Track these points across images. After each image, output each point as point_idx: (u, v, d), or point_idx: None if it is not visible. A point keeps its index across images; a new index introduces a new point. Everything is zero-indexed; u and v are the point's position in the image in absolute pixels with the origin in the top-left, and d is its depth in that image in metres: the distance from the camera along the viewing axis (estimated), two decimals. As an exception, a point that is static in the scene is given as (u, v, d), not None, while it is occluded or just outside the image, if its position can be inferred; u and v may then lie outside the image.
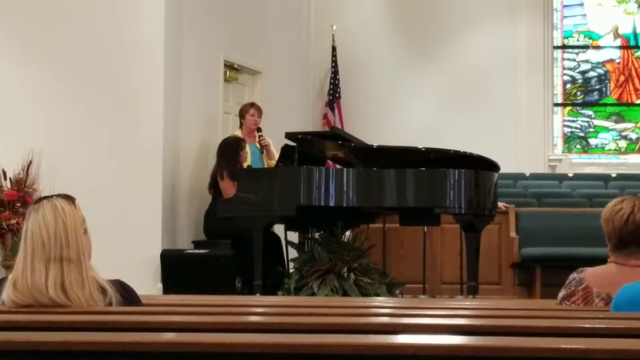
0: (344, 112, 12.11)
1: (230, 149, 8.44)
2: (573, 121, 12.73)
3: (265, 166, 8.84)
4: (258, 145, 8.92)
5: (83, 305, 2.99)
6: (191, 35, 9.00)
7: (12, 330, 2.45)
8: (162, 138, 8.36)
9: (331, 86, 12.17)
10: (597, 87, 12.76)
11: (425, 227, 8.85)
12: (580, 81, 12.76)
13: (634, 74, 12.68)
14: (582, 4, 12.78)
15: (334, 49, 12.21)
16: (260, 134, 8.90)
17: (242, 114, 9.00)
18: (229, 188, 8.20)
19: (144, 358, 2.16)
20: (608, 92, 12.72)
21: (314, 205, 7.34)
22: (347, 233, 8.15)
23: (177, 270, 8.06)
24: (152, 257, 8.15)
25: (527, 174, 11.68)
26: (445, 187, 7.30)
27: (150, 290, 7.77)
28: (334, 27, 12.18)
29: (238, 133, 8.91)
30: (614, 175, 11.69)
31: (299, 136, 7.94)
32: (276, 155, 8.75)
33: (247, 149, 8.62)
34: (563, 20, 12.77)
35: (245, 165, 8.58)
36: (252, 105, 9.06)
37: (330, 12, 12.30)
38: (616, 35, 12.72)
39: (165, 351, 2.16)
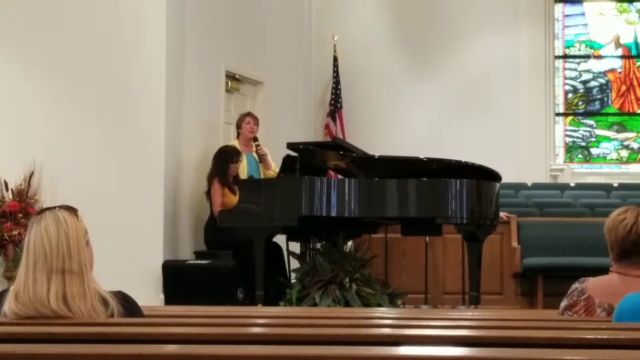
0: (345, 122, 12.12)
1: (222, 157, 8.48)
2: (575, 131, 12.72)
3: (262, 176, 8.85)
4: (255, 155, 8.94)
5: (85, 316, 2.99)
6: (193, 46, 9.01)
7: (14, 342, 2.45)
8: (164, 148, 8.36)
9: (333, 96, 12.17)
10: (598, 96, 12.76)
11: (427, 237, 8.83)
12: (581, 91, 12.76)
13: (635, 83, 12.67)
14: (583, 14, 12.79)
15: (335, 58, 12.22)
16: (257, 143, 8.92)
17: (239, 123, 9.05)
18: (216, 194, 8.29)
19: (145, 370, 2.16)
20: (609, 102, 12.72)
21: (315, 216, 7.34)
22: (349, 243, 8.15)
23: (178, 281, 8.06)
24: (154, 268, 8.15)
25: (529, 183, 11.67)
26: (447, 197, 7.30)
27: (151, 301, 7.76)
28: (335, 37, 12.19)
29: (235, 143, 8.93)
30: (615, 185, 11.68)
31: (301, 146, 7.94)
32: (273, 165, 8.78)
33: (244, 162, 8.64)
34: (564, 30, 12.78)
35: (245, 176, 8.61)
36: (248, 114, 9.11)
37: (332, 22, 12.32)
38: (617, 44, 12.73)
39: (167, 363, 2.16)
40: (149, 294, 7.86)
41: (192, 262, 8.33)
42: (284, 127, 10.15)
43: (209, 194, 8.50)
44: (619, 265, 3.51)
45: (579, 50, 12.81)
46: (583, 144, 12.72)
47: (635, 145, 12.63)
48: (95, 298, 3.04)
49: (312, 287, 7.40)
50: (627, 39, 12.74)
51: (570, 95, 12.74)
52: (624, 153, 12.66)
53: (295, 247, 8.36)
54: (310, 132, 11.65)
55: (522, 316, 4.00)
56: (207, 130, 9.30)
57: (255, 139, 8.94)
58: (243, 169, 8.67)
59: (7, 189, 7.97)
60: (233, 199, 7.99)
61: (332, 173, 8.79)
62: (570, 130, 12.71)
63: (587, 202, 10.77)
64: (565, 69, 12.75)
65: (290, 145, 7.90)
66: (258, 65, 10.18)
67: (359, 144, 8.67)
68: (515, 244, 9.29)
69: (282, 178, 7.86)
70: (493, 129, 12.08)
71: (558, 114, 12.63)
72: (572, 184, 11.83)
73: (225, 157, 8.47)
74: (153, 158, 8.32)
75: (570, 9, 12.80)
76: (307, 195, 7.33)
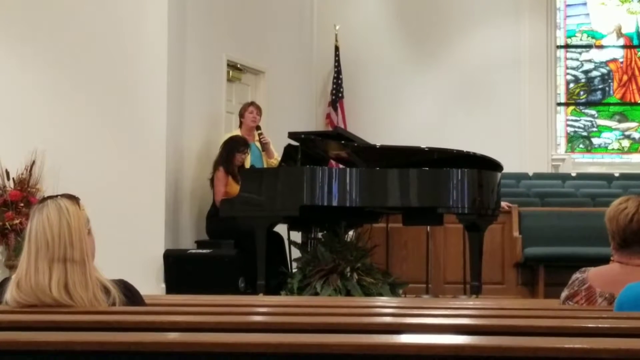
0: (346, 112, 12.11)
1: (230, 145, 8.48)
2: (576, 121, 12.71)
3: (265, 165, 8.87)
4: (257, 144, 8.95)
5: (86, 305, 2.99)
6: (194, 36, 9.01)
7: (16, 330, 2.46)
8: (166, 138, 8.36)
9: (334, 86, 12.17)
10: (600, 86, 12.74)
11: (429, 227, 8.84)
12: (583, 80, 12.75)
13: (637, 73, 12.66)
14: (585, 4, 12.77)
15: (336, 48, 12.20)
16: (260, 132, 8.93)
17: (242, 112, 9.07)
18: (220, 183, 8.29)
19: (147, 358, 2.16)
20: (611, 92, 12.70)
21: (317, 205, 7.35)
22: (350, 233, 8.16)
23: (180, 270, 8.07)
24: (155, 257, 8.16)
25: (530, 173, 11.67)
26: (448, 187, 7.29)
27: (153, 290, 7.78)
28: (337, 27, 12.17)
29: (237, 132, 8.94)
30: (617, 174, 11.68)
31: (302, 136, 7.94)
32: (276, 154, 8.79)
33: (248, 157, 8.64)
34: (566, 20, 12.76)
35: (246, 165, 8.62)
36: (252, 103, 9.13)
37: (333, 11, 12.30)
38: (619, 34, 12.71)
39: (169, 351, 2.17)
40: (150, 283, 7.87)
41: (193, 251, 8.33)
42: (285, 117, 10.15)
43: (213, 181, 8.49)
44: (620, 255, 3.51)
45: (581, 40, 12.79)
46: (584, 133, 12.71)
47: (636, 135, 12.62)
48: (97, 286, 3.04)
49: (313, 276, 7.42)
50: (628, 28, 12.72)
51: (571, 85, 12.73)
52: (626, 143, 12.65)
53: (297, 236, 8.37)
54: (312, 121, 11.65)
55: (523, 305, 4.00)
56: (209, 120, 9.30)
57: (258, 128, 8.96)
58: (245, 158, 8.67)
59: (8, 178, 7.97)
60: (236, 189, 8.00)
61: (333, 162, 8.79)
62: (572, 120, 12.70)
63: (588, 192, 10.76)
64: (566, 58, 12.73)
65: (292, 135, 7.89)
66: (259, 54, 10.17)
67: (360, 134, 8.67)
68: (516, 233, 9.30)
69: (284, 167, 7.86)
70: (494, 118, 12.07)
71: (559, 104, 12.62)
72: (574, 174, 11.83)
73: (233, 146, 8.48)
74: (154, 147, 8.32)
75: (572, -2, 12.78)
76: (308, 184, 7.33)
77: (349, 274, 7.37)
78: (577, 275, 3.56)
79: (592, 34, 12.78)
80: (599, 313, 3.06)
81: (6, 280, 3.15)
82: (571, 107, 12.74)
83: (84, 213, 3.13)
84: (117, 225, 7.82)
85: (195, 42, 9.02)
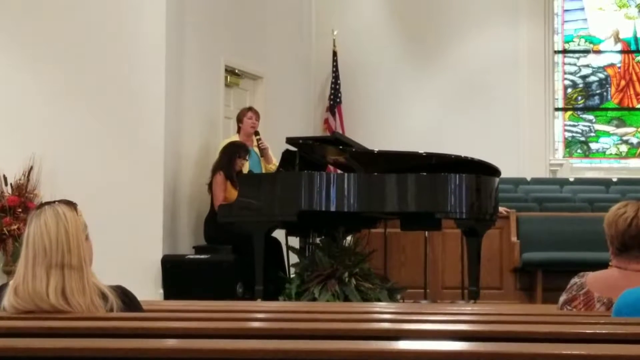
0: (345, 117, 12.11)
1: (231, 150, 8.47)
2: (574, 126, 12.72)
3: (263, 170, 8.86)
4: (256, 149, 8.95)
5: (84, 311, 2.98)
6: (192, 40, 9.00)
7: (13, 336, 2.45)
8: (164, 143, 8.36)
9: (332, 91, 12.16)
10: (598, 91, 12.75)
11: (427, 232, 8.83)
12: (581, 86, 12.76)
13: (634, 78, 12.66)
14: (582, 9, 12.78)
15: (334, 53, 12.20)
16: (258, 137, 8.93)
17: (240, 117, 9.05)
18: (218, 188, 8.27)
19: (145, 364, 2.16)
20: (609, 97, 12.71)
21: (315, 210, 7.34)
22: (348, 238, 8.15)
23: (178, 276, 8.06)
24: (153, 263, 8.15)
25: (528, 178, 11.67)
26: (446, 192, 7.29)
27: (151, 295, 7.77)
28: (335, 32, 12.17)
29: (236, 137, 8.93)
30: (615, 179, 11.68)
31: (300, 141, 7.93)
32: (274, 159, 8.78)
33: (247, 164, 8.63)
34: (564, 25, 12.77)
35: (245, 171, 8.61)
36: (250, 109, 9.12)
37: (331, 16, 12.30)
38: (617, 39, 12.72)
39: (167, 357, 2.16)
40: (148, 288, 7.86)
41: (191, 256, 8.33)
42: (283, 122, 10.14)
43: (211, 186, 8.48)
44: (618, 260, 3.51)
45: (579, 45, 12.80)
46: (582, 138, 12.72)
47: (634, 140, 12.63)
48: (94, 293, 3.04)
49: (311, 281, 7.41)
50: (626, 33, 12.73)
51: (569, 90, 12.73)
52: (623, 148, 12.66)
53: (295, 241, 8.36)
54: (310, 126, 11.65)
55: (521, 311, 4.00)
56: (207, 125, 9.29)
57: (256, 133, 8.96)
58: (245, 164, 8.67)
59: (6, 184, 7.97)
60: (234, 194, 7.99)
61: (331, 168, 8.78)
62: (570, 125, 12.71)
63: (586, 197, 10.76)
64: (564, 63, 12.74)
65: (290, 140, 7.89)
66: (257, 59, 10.17)
67: (358, 139, 8.67)
68: (514, 238, 9.30)
69: (282, 173, 7.85)
70: (492, 123, 12.08)
71: (557, 109, 12.63)
72: (572, 179, 11.83)
73: (234, 151, 8.47)
74: (152, 152, 8.31)
75: (569, 3, 12.78)
76: (306, 190, 7.33)
77: (347, 279, 7.36)
78: (575, 279, 3.56)
79: (590, 39, 12.79)
80: (597, 319, 3.05)
81: (4, 286, 3.15)
82: (569, 112, 12.75)
83: (81, 219, 3.13)
84: (115, 230, 7.81)
85: (193, 47, 9.02)
